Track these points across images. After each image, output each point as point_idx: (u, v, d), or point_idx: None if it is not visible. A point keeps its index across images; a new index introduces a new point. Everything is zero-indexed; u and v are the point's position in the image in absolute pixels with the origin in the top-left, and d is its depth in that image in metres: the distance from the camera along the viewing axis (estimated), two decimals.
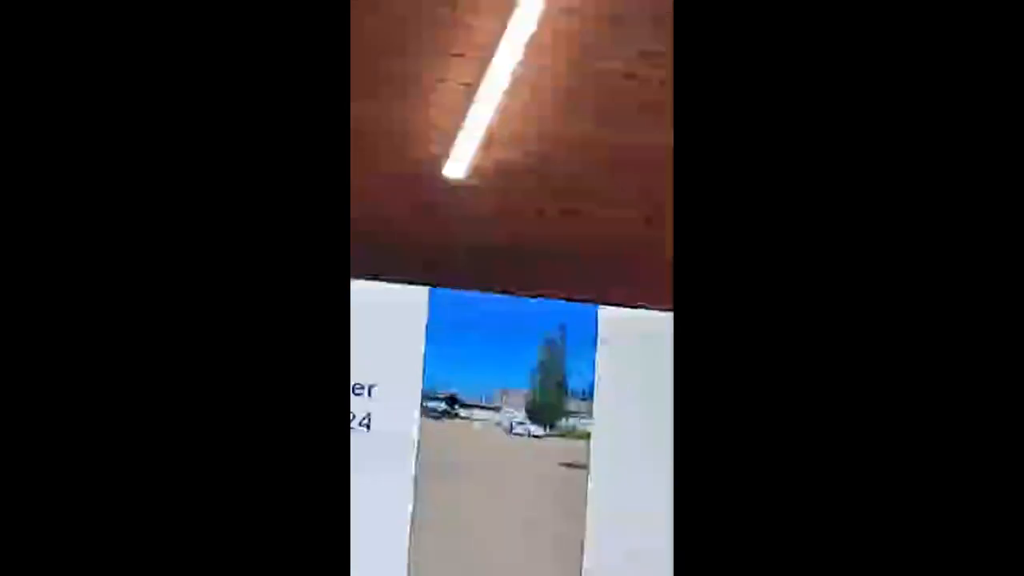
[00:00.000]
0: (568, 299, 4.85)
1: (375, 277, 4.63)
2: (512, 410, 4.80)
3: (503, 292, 4.79)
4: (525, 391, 4.82)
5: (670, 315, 3.83)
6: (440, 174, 4.72)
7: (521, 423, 4.81)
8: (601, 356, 4.84)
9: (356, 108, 4.49)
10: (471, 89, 4.41)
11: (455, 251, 4.87)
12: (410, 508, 4.63)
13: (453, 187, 4.77)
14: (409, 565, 4.60)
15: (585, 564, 4.70)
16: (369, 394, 4.66)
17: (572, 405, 4.83)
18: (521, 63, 4.27)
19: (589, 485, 4.76)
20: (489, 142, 4.62)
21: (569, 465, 4.79)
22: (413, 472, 4.65)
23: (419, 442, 4.68)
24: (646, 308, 4.73)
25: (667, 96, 3.91)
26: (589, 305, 4.85)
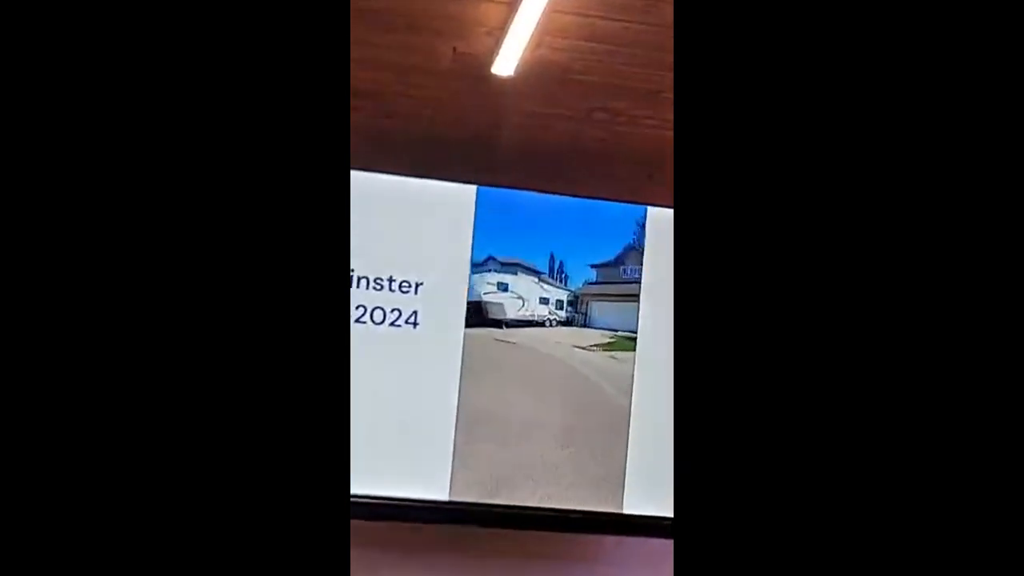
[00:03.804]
0: (616, 199, 4.83)
1: (421, 175, 4.64)
2: (557, 306, 4.83)
3: (550, 192, 4.78)
4: (573, 288, 4.84)
5: None
6: (488, 72, 4.69)
7: (567, 318, 4.83)
8: (648, 257, 4.83)
9: (405, 3, 4.46)
10: None
11: (503, 150, 4.86)
12: (456, 403, 4.70)
13: (501, 84, 4.74)
14: (454, 454, 4.68)
15: (628, 466, 4.75)
16: (416, 291, 4.70)
17: (620, 304, 4.84)
18: None
19: (634, 375, 4.79)
20: (538, 40, 4.58)
21: (613, 358, 4.82)
22: (459, 368, 4.70)
23: (465, 338, 4.72)
24: None
25: None
26: (637, 205, 4.83)
